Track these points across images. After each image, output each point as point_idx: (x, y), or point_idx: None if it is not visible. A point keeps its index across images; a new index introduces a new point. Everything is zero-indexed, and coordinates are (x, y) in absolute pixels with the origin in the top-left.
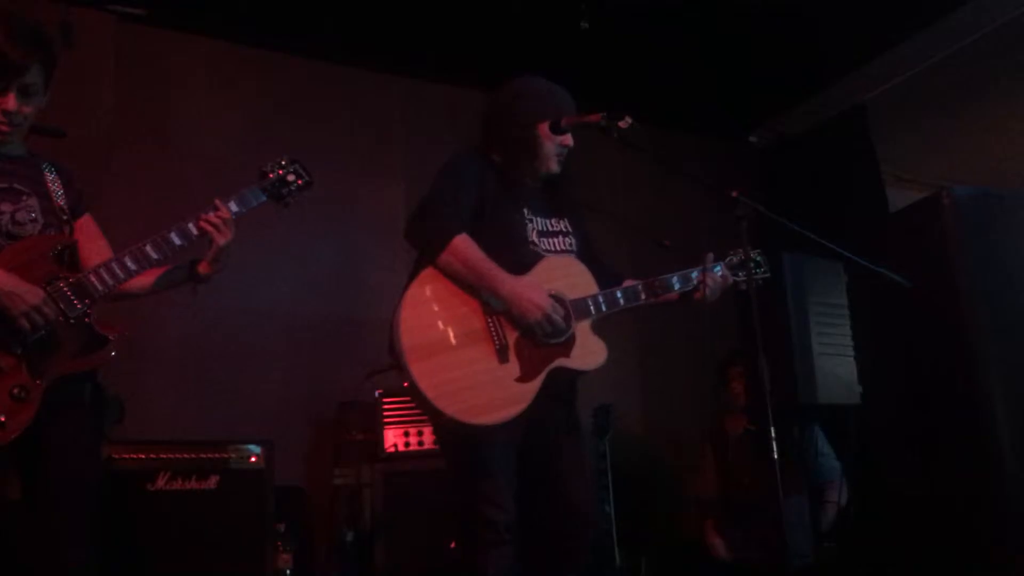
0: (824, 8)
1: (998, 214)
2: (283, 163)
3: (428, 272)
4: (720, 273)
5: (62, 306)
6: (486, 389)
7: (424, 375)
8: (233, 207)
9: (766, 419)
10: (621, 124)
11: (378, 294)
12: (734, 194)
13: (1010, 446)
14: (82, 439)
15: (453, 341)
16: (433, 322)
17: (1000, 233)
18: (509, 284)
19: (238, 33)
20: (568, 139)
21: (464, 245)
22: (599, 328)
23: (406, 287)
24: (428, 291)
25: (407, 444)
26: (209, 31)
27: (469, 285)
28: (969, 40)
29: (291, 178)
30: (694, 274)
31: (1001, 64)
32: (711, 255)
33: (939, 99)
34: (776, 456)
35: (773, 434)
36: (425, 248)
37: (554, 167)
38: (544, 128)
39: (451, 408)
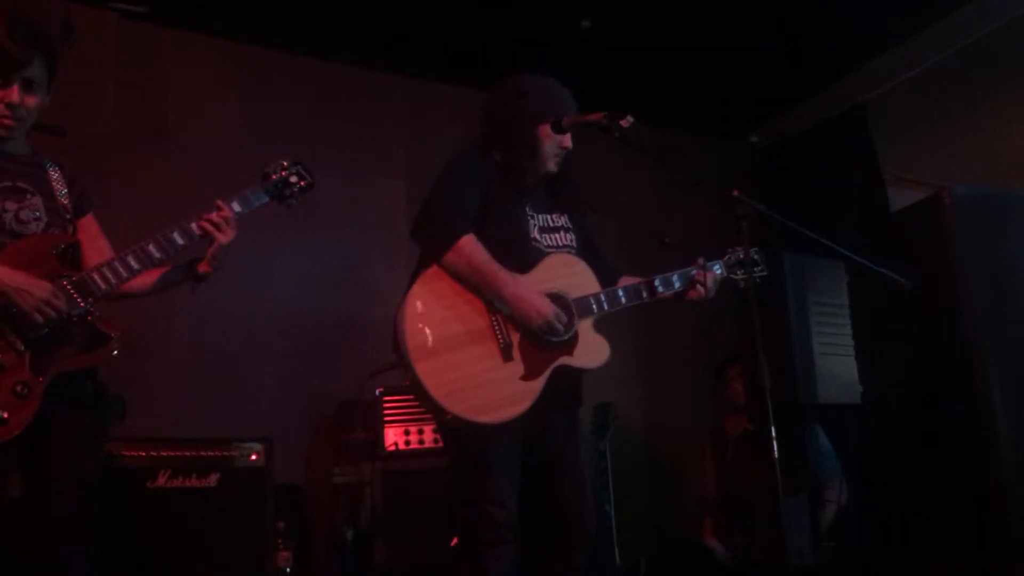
0: (825, 8)
1: (999, 214)
2: (286, 164)
3: (432, 271)
4: (720, 272)
5: (65, 304)
6: (490, 388)
7: (429, 374)
8: (235, 207)
9: (766, 419)
10: (623, 123)
11: (379, 293)
12: (735, 193)
13: (1010, 446)
14: (84, 437)
15: (457, 340)
16: (437, 321)
17: (1001, 233)
18: (512, 288)
19: (240, 32)
20: (568, 141)
21: (470, 246)
22: (601, 326)
23: (410, 285)
24: (432, 290)
25: (407, 443)
26: (211, 30)
27: (474, 285)
28: (971, 40)
29: (293, 179)
30: (694, 272)
31: (1003, 64)
32: (702, 259)
33: (940, 99)
34: (776, 456)
35: (773, 434)
36: (431, 247)
37: (552, 168)
38: (545, 129)
39: (456, 407)
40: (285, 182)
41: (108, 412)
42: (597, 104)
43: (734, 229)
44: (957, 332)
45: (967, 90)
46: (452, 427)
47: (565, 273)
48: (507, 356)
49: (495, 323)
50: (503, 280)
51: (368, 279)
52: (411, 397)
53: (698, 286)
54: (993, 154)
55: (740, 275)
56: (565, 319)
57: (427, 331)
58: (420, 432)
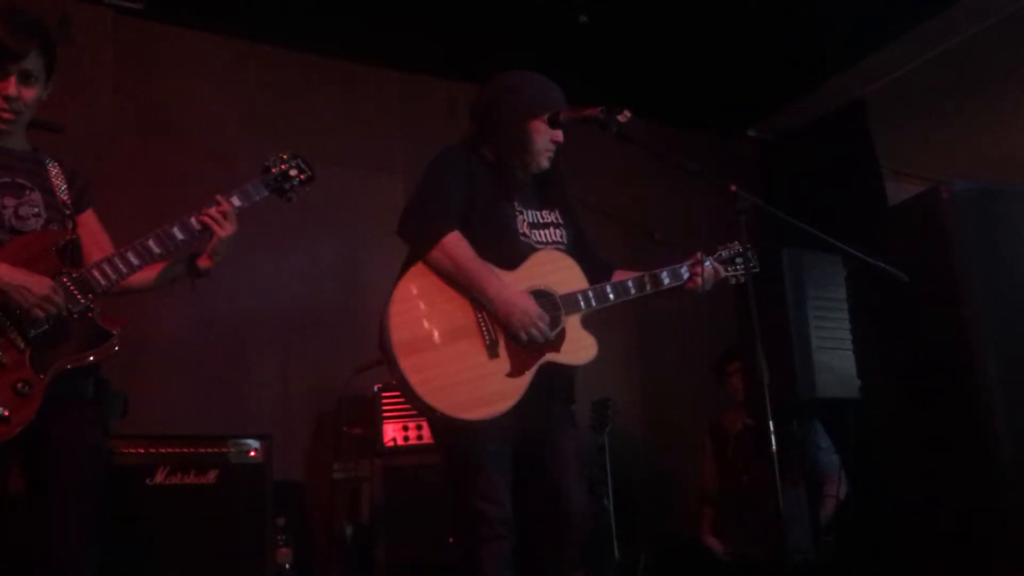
0: (824, 2)
1: (997, 209)
2: (285, 157)
3: (418, 268)
4: (710, 266)
5: (65, 300)
6: (476, 384)
7: (414, 370)
8: (235, 201)
9: (765, 414)
10: (620, 118)
11: (377, 289)
12: (733, 188)
13: (1008, 439)
14: (86, 435)
15: (443, 336)
16: (423, 317)
17: (999, 228)
18: (496, 288)
19: (236, 28)
20: (559, 135)
21: (455, 243)
22: (590, 323)
23: (396, 282)
24: (418, 287)
25: (406, 438)
26: (206, 26)
27: (458, 283)
28: (969, 34)
29: (293, 173)
30: (683, 269)
31: (1001, 58)
32: (700, 253)
33: (939, 94)
34: (775, 451)
35: (772, 429)
36: (416, 244)
37: (544, 163)
38: (535, 124)
39: (441, 403)
40: (285, 175)
41: (110, 409)
42: (594, 99)
43: (733, 224)
44: (955, 326)
45: (965, 85)
46: (441, 424)
47: (552, 269)
48: (493, 353)
49: (481, 319)
50: (487, 280)
51: (366, 275)
52: (401, 394)
53: (696, 277)
54: (991, 149)
55: (730, 272)
56: (549, 320)
57: (412, 328)
58: (419, 428)
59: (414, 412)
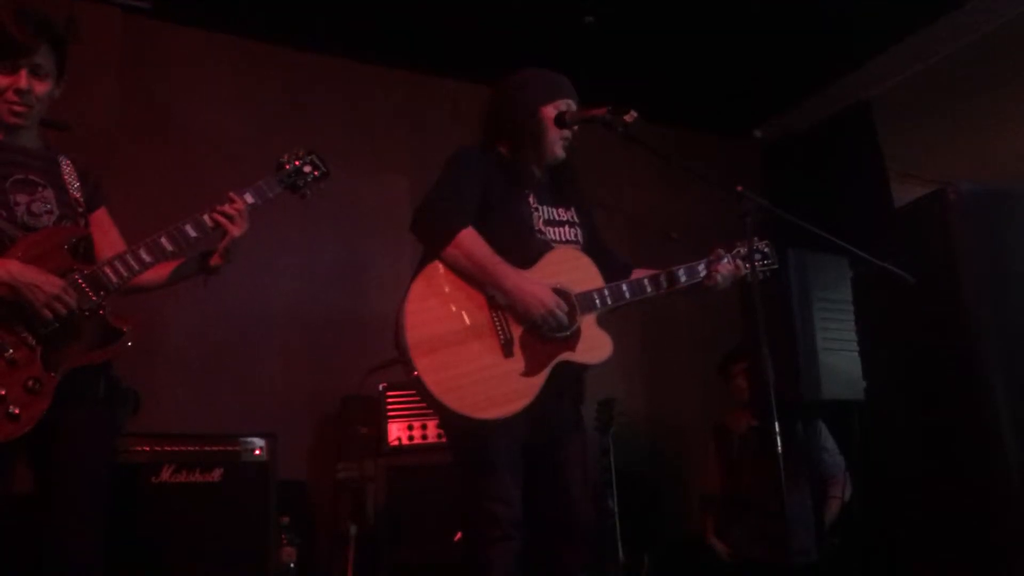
0: (830, 4)
1: (1003, 210)
2: (300, 154)
3: (433, 266)
4: (729, 262)
5: (75, 300)
6: (491, 384)
7: (429, 370)
8: (249, 199)
9: (770, 415)
10: (626, 119)
11: (382, 288)
12: (739, 189)
13: (1013, 442)
14: (95, 434)
15: (458, 335)
16: (438, 316)
17: (1005, 229)
18: (513, 279)
19: (243, 28)
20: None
21: (470, 239)
22: (605, 322)
23: (411, 281)
24: (433, 285)
25: (411, 438)
26: (215, 26)
27: (474, 279)
28: (975, 36)
29: (308, 169)
30: (700, 267)
31: (1007, 60)
32: (720, 250)
33: (944, 95)
34: (780, 452)
35: (777, 430)
36: (431, 242)
37: (560, 152)
38: (547, 110)
39: (456, 403)
40: (299, 171)
41: (122, 407)
42: (601, 100)
43: (738, 225)
44: (961, 327)
45: (972, 86)
46: (454, 423)
47: (568, 268)
48: (508, 352)
49: (496, 318)
50: (504, 272)
51: (371, 274)
52: (414, 392)
53: (714, 274)
54: (997, 150)
55: (748, 269)
56: (567, 308)
57: (428, 327)
58: (423, 427)
59: (419, 412)
